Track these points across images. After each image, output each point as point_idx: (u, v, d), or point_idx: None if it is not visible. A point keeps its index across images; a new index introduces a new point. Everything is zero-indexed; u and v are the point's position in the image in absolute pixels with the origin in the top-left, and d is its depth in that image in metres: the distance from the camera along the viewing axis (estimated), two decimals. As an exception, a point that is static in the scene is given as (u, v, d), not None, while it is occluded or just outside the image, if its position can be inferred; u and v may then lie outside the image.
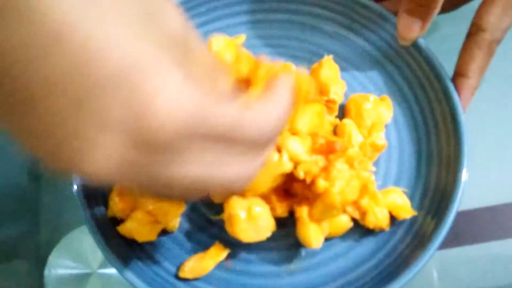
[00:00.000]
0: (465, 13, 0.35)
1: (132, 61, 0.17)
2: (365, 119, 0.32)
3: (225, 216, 0.29)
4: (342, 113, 0.34)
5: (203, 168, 0.20)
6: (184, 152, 0.19)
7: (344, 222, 0.31)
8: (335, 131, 0.33)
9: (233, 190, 0.22)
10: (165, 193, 0.21)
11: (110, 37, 0.17)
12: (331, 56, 0.34)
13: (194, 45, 0.22)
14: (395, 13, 0.34)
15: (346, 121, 0.33)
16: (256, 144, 0.21)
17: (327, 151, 0.29)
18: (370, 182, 0.30)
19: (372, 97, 0.33)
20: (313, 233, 0.29)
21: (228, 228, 0.29)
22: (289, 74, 0.24)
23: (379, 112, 0.33)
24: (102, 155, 0.18)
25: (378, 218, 0.30)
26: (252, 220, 0.28)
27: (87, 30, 0.17)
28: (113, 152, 0.18)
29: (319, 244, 0.29)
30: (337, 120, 0.33)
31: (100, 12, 0.17)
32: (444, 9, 0.34)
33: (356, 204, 0.30)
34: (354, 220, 0.32)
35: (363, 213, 0.30)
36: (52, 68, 0.16)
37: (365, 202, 0.30)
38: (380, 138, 0.32)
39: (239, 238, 0.28)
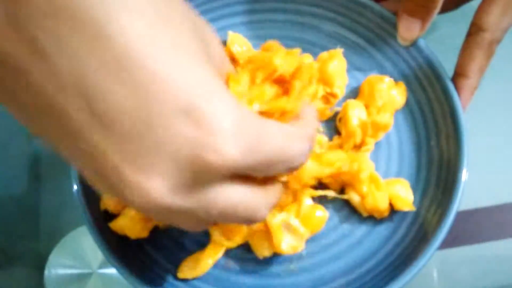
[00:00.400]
0: (465, 13, 0.35)
1: (196, 94, 0.18)
2: (376, 98, 0.33)
3: None
4: (354, 97, 0.35)
5: (237, 198, 0.21)
6: (231, 183, 0.20)
7: (319, 218, 0.30)
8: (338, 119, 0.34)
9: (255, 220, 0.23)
10: (203, 218, 0.22)
11: (177, 70, 0.18)
12: (342, 49, 0.34)
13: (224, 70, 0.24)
14: (395, 13, 0.34)
15: (349, 100, 0.33)
16: (288, 164, 0.22)
17: None
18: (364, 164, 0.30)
19: (388, 79, 0.33)
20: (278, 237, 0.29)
21: None
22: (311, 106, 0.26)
23: (392, 95, 0.33)
24: (157, 178, 0.19)
25: (377, 200, 0.30)
26: None
27: (155, 61, 0.17)
28: (167, 176, 0.19)
29: (289, 249, 0.29)
30: (335, 109, 0.34)
31: (167, 42, 0.18)
32: (444, 9, 0.34)
33: (354, 186, 0.31)
34: (354, 220, 0.32)
35: (363, 197, 0.31)
36: (119, 97, 0.17)
37: (365, 188, 0.31)
38: (384, 117, 0.32)
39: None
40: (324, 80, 0.33)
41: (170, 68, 0.18)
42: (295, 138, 0.22)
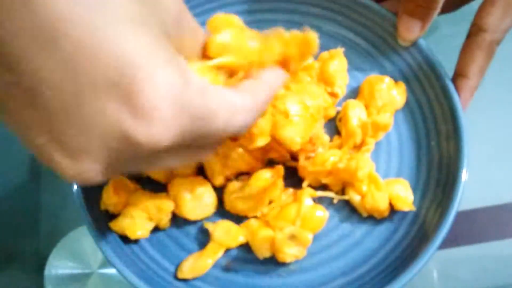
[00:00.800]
0: (465, 13, 0.35)
1: (128, 63, 0.16)
2: (376, 99, 0.33)
3: (170, 196, 0.30)
4: (354, 97, 0.35)
5: (178, 162, 0.21)
6: (163, 156, 0.20)
7: (319, 218, 0.30)
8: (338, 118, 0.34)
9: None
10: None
11: (108, 35, 0.16)
12: (343, 49, 0.34)
13: (186, 19, 0.23)
14: (395, 13, 0.34)
15: (349, 100, 0.33)
16: (227, 135, 0.22)
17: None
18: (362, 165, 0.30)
19: (388, 79, 0.34)
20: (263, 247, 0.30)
21: (175, 208, 0.30)
22: (276, 74, 0.25)
23: (392, 95, 0.33)
24: (87, 160, 0.18)
25: (377, 200, 0.30)
26: (197, 199, 0.30)
27: (81, 26, 0.16)
28: (98, 157, 0.18)
29: (291, 257, 0.29)
30: (336, 109, 0.34)
31: (96, 3, 0.16)
32: (444, 10, 0.34)
33: (354, 186, 0.31)
34: (354, 220, 0.32)
35: (362, 197, 0.31)
36: (48, 64, 0.16)
37: (364, 188, 0.31)
38: (384, 118, 0.32)
39: (186, 217, 0.30)
40: (325, 79, 0.33)
41: (100, 33, 0.16)
42: (239, 112, 0.21)
